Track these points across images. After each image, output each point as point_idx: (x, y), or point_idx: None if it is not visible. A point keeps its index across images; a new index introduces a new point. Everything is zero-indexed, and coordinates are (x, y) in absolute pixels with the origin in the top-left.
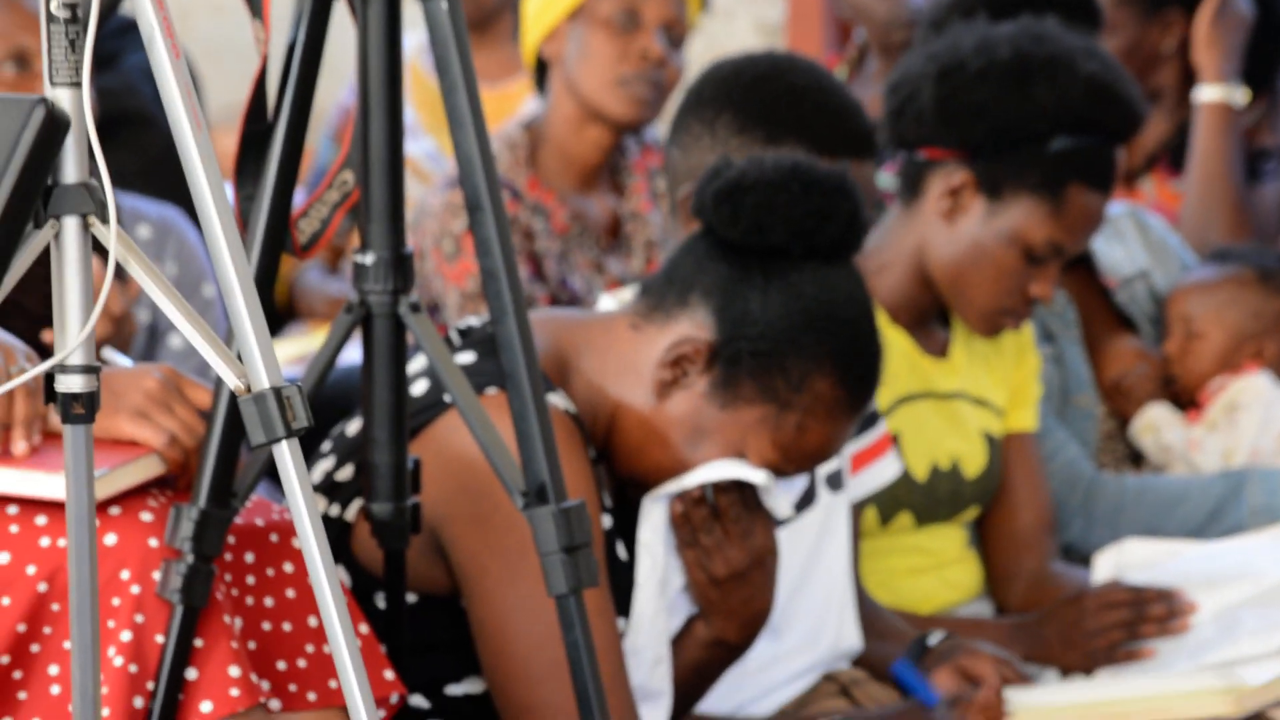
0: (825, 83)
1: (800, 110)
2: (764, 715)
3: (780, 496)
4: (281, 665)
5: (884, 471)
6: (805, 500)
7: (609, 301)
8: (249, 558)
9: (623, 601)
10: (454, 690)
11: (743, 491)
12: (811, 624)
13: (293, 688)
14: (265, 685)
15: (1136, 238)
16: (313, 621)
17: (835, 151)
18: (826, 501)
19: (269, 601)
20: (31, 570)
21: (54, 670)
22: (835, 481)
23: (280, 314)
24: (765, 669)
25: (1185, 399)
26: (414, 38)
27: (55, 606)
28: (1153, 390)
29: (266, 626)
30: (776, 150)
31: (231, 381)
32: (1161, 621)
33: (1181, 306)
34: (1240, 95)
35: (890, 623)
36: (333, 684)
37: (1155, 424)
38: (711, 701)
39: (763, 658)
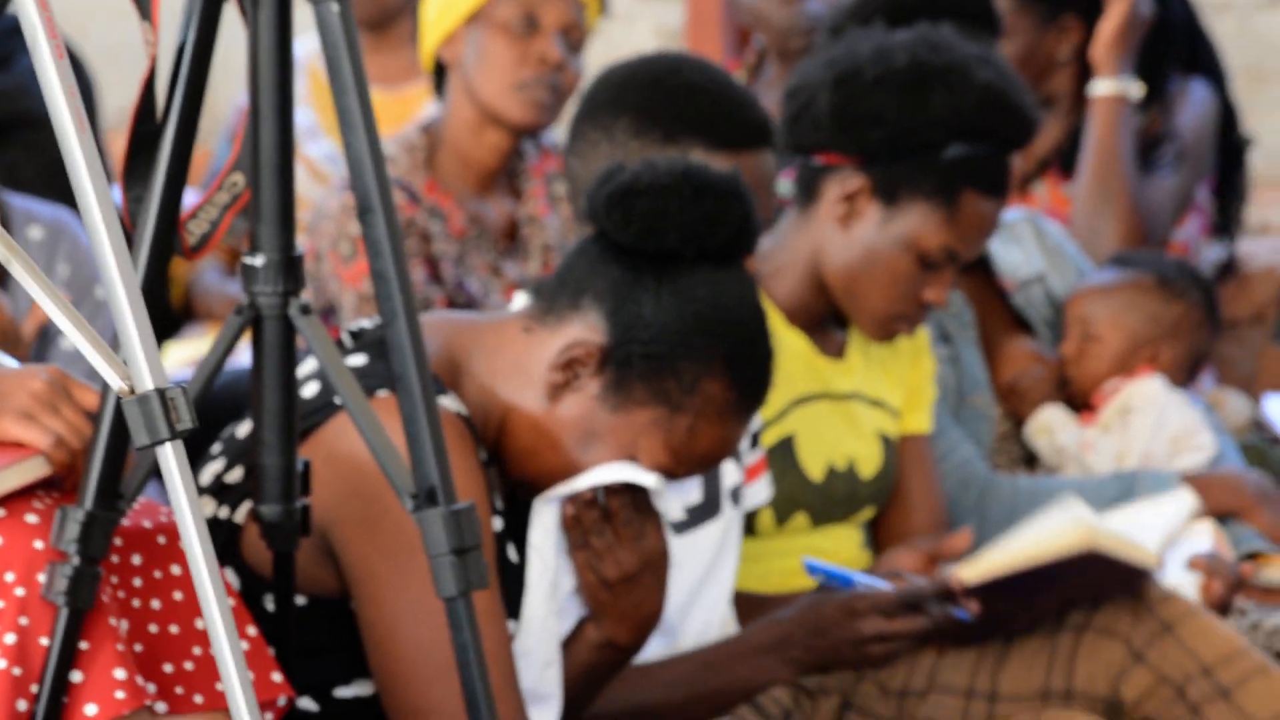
0: (718, 78)
1: (696, 106)
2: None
3: (672, 499)
4: (168, 668)
5: (755, 495)
6: (708, 510)
7: (521, 302)
8: (136, 560)
9: (513, 604)
10: (343, 693)
11: (634, 494)
12: (701, 629)
13: (179, 690)
14: (151, 688)
15: (1034, 242)
16: (200, 624)
17: (734, 144)
18: (729, 515)
19: (156, 604)
20: None
21: None
22: (739, 495)
23: (178, 315)
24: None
25: (1080, 401)
26: (313, 41)
27: None
28: (1048, 392)
29: (153, 629)
30: (676, 149)
31: (115, 383)
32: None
33: (1080, 309)
34: (1135, 90)
35: None
36: (220, 686)
37: (1050, 426)
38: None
39: (656, 657)
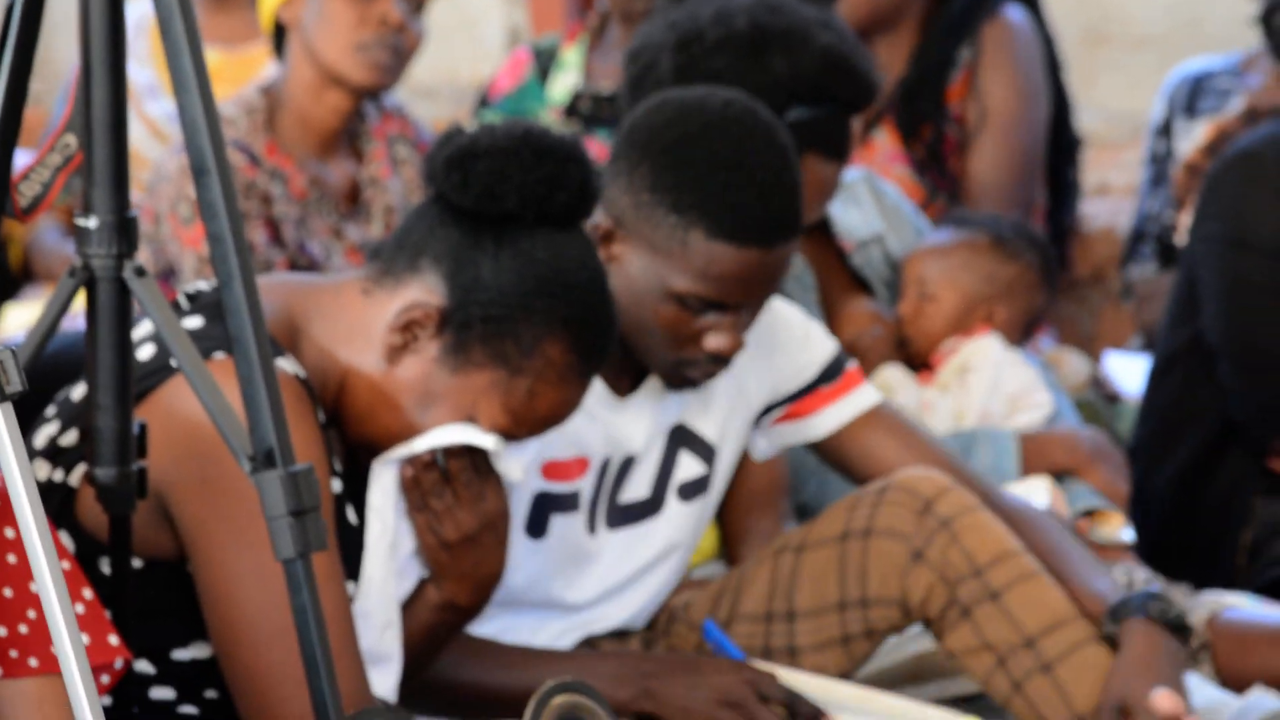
0: (761, 159)
1: (709, 189)
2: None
3: (511, 461)
4: (2, 631)
5: (861, 399)
6: (651, 507)
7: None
8: None
9: (352, 566)
10: (180, 655)
11: (474, 456)
12: (633, 613)
13: (14, 654)
14: None
15: (872, 202)
16: (34, 587)
17: (740, 239)
18: (677, 509)
19: None
20: None
21: None
22: (690, 491)
23: (17, 277)
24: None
25: (918, 361)
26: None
27: None
28: (886, 352)
29: None
30: (681, 222)
31: None
32: None
33: (916, 269)
34: None
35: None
36: (55, 650)
37: (889, 385)
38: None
39: (572, 632)
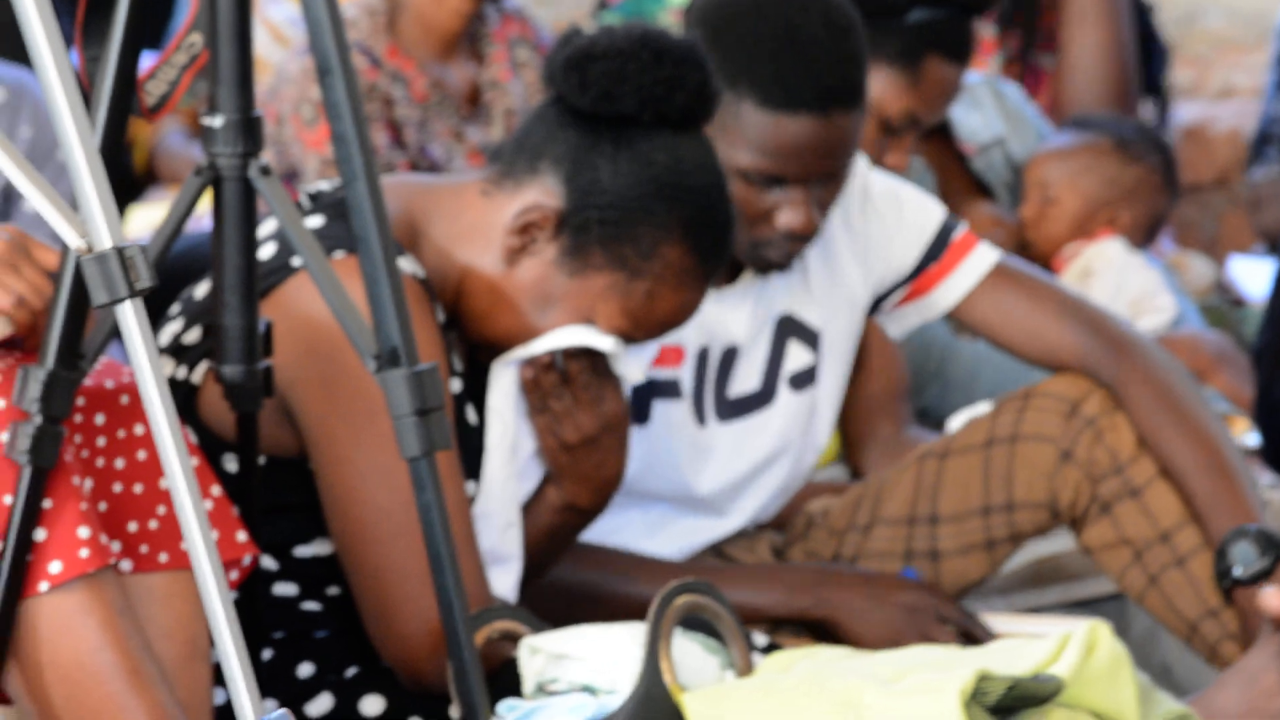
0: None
1: (756, 57)
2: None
3: (631, 363)
4: (133, 527)
5: (979, 263)
6: (763, 398)
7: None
8: (99, 420)
9: (473, 466)
10: (302, 552)
11: (592, 358)
12: (757, 509)
13: (144, 549)
14: (116, 546)
15: (993, 106)
16: (164, 483)
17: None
18: (789, 400)
19: (120, 463)
20: None
21: None
22: (800, 381)
23: (142, 179)
24: (689, 538)
25: (1041, 264)
26: None
27: None
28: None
29: (118, 488)
30: (733, 93)
31: (73, 242)
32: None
33: (1039, 172)
34: None
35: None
36: (184, 546)
37: None
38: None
39: (698, 534)
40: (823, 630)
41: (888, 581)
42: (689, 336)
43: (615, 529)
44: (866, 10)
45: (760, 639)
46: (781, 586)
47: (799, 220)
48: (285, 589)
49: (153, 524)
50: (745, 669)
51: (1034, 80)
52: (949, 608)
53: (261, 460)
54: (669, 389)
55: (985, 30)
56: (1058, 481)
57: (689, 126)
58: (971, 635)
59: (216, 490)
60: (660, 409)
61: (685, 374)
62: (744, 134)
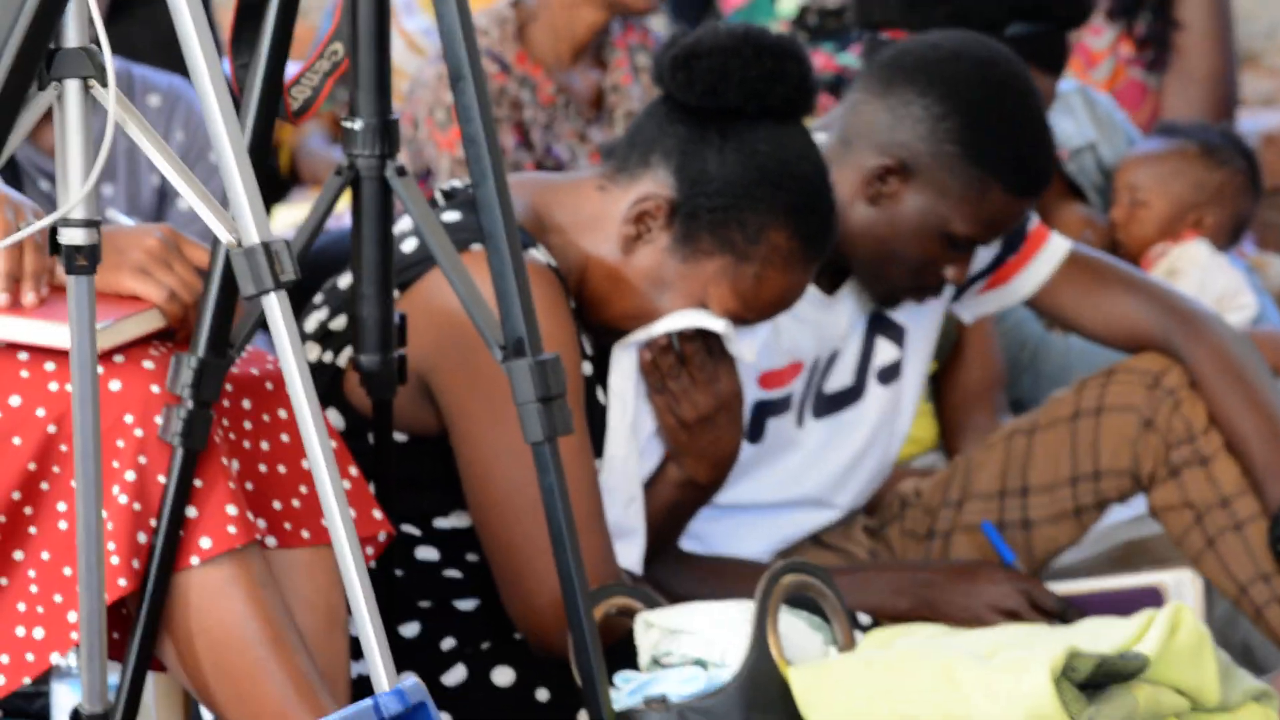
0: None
1: (1012, 147)
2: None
3: (743, 344)
4: (277, 505)
5: (1053, 254)
6: (854, 394)
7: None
8: (246, 404)
9: (601, 443)
10: (442, 523)
11: (707, 340)
12: (853, 499)
13: (287, 526)
14: (261, 524)
15: (1085, 112)
16: (306, 464)
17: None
18: (878, 394)
19: (265, 445)
20: (41, 413)
21: (62, 507)
22: (888, 374)
23: (285, 179)
24: (792, 529)
25: (1129, 264)
26: None
27: (63, 447)
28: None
29: (263, 469)
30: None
31: (224, 236)
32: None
33: (1128, 176)
34: None
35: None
36: (325, 522)
37: None
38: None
39: (808, 521)
40: None
41: (981, 574)
42: (807, 350)
43: (714, 516)
44: (966, 25)
45: (863, 618)
46: (880, 591)
47: (962, 275)
48: (427, 553)
49: (295, 502)
50: (848, 645)
51: (1138, 93)
52: (1041, 593)
53: (404, 438)
54: (782, 405)
55: (1099, 39)
56: (1140, 448)
57: (790, 117)
58: (1068, 620)
59: (354, 471)
60: (772, 425)
61: (797, 386)
62: (977, 209)
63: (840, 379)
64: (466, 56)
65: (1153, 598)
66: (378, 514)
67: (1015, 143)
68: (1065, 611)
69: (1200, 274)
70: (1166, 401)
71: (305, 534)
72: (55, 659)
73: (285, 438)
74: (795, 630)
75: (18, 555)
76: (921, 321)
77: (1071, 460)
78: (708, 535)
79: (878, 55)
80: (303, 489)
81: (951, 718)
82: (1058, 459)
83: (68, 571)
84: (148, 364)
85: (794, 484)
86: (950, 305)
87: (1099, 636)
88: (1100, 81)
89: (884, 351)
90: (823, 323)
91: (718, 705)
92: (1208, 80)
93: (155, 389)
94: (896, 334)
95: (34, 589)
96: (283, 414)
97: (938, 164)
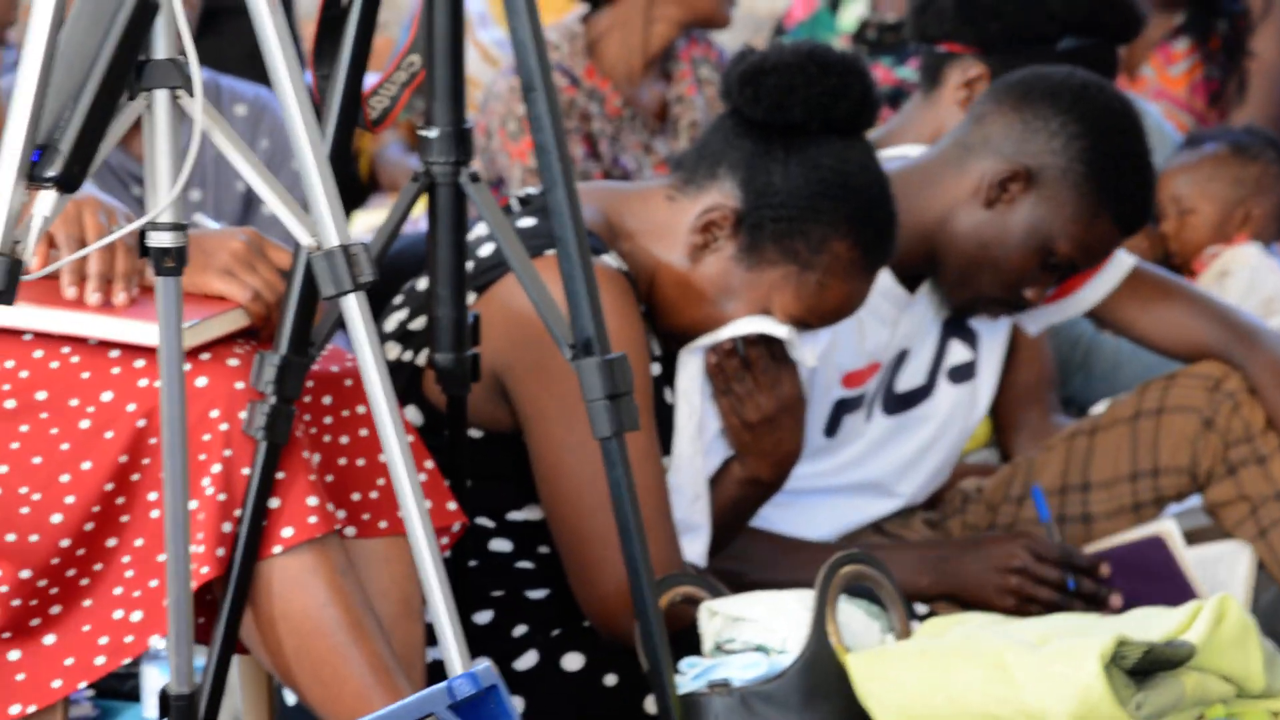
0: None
1: (1131, 182)
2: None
3: (806, 349)
4: (355, 497)
5: (1115, 270)
6: (925, 393)
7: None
8: (326, 400)
9: (668, 442)
10: (515, 516)
11: (770, 345)
12: (915, 490)
13: (365, 517)
14: (341, 514)
15: None
16: (383, 458)
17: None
18: (947, 391)
19: (344, 440)
20: (131, 408)
21: (153, 496)
22: (960, 374)
23: (364, 186)
24: (852, 515)
25: (1184, 271)
26: None
27: (153, 440)
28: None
29: (342, 462)
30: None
31: (305, 240)
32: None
33: (1169, 188)
34: None
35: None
36: (401, 512)
37: None
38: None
39: (870, 509)
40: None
41: (987, 540)
42: (886, 349)
43: (779, 502)
44: (1021, 38)
45: (920, 607)
46: (901, 570)
47: (1040, 297)
48: (500, 545)
49: (373, 494)
50: (904, 633)
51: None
52: (1043, 545)
53: (479, 434)
54: (857, 403)
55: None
56: (1199, 447)
57: (853, 132)
58: (1074, 565)
59: (429, 464)
60: (846, 421)
61: (871, 385)
62: (1086, 233)
63: (912, 378)
64: (538, 68)
65: (1157, 548)
66: (452, 505)
67: (1133, 179)
68: (1071, 557)
69: (1250, 274)
70: (1226, 403)
71: (383, 524)
72: (154, 641)
73: (364, 432)
74: (853, 618)
75: (111, 542)
76: (994, 325)
77: (1132, 458)
78: (772, 520)
79: (1007, 76)
80: (380, 481)
81: (1004, 704)
82: (1118, 456)
83: (160, 558)
84: (232, 361)
85: (856, 469)
86: (1016, 316)
87: (1147, 625)
88: (1177, 77)
89: (956, 352)
90: (901, 321)
91: (778, 690)
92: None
93: (239, 385)
94: (969, 337)
95: (129, 574)
96: (360, 410)
97: (1062, 180)
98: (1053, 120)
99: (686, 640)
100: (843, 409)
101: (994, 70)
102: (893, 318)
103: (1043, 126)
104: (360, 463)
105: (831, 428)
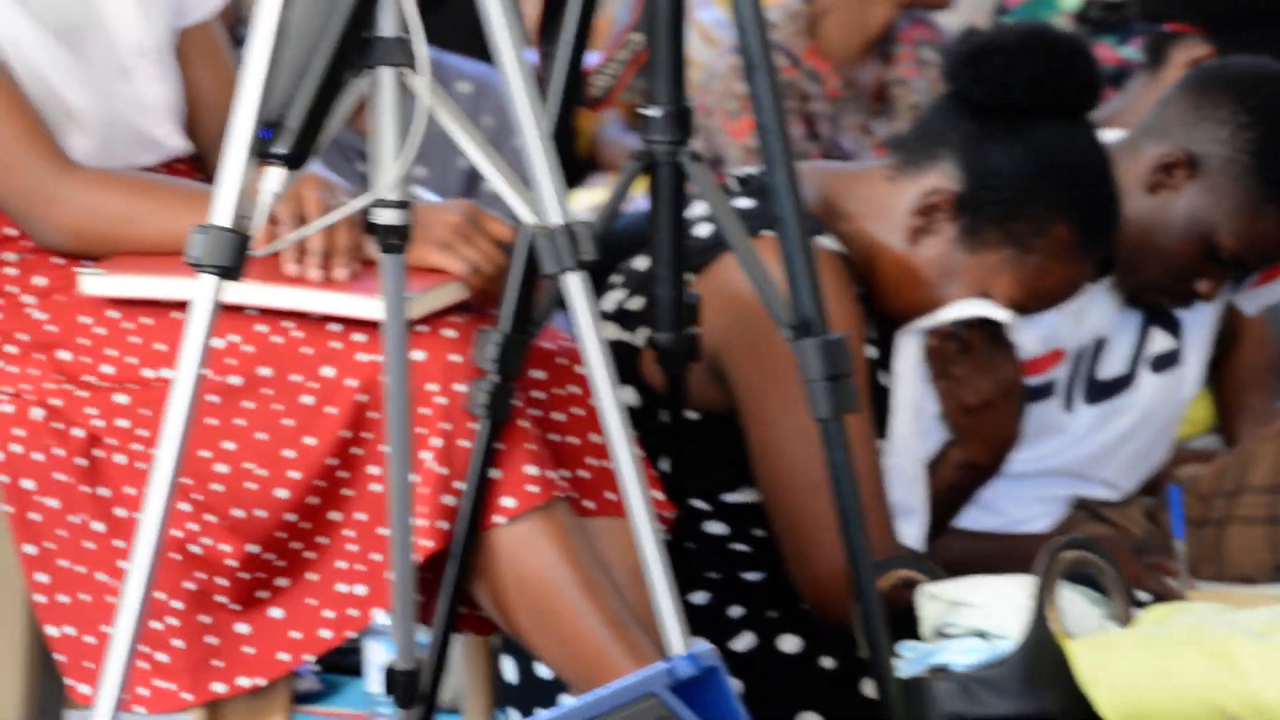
0: None
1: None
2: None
3: (1024, 333)
4: (565, 474)
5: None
6: (1127, 381)
7: None
8: (540, 376)
9: (883, 425)
10: (730, 498)
11: (989, 328)
12: (1122, 470)
13: (575, 495)
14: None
15: None
16: (593, 438)
17: None
18: (1148, 381)
19: (557, 417)
20: (352, 382)
21: (374, 470)
22: (1162, 363)
23: (584, 165)
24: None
25: None
26: None
27: (372, 415)
28: None
29: (554, 438)
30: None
31: (527, 218)
32: None
33: None
34: None
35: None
36: (608, 495)
37: None
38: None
39: (1067, 491)
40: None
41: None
42: (1068, 337)
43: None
44: (1248, 18)
45: (1143, 596)
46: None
47: (1213, 293)
48: (715, 527)
49: (583, 473)
50: (1126, 620)
51: None
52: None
53: (696, 415)
54: (1042, 392)
55: None
56: None
57: (1076, 114)
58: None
59: (638, 452)
60: (1036, 410)
61: (1060, 373)
62: (1250, 227)
63: (1113, 366)
64: (759, 48)
65: None
66: (659, 495)
67: None
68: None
69: None
70: None
71: (590, 504)
72: (377, 614)
73: (578, 410)
74: (1074, 604)
75: (334, 516)
76: (1198, 313)
77: None
78: (986, 500)
79: (1202, 67)
80: (589, 460)
81: (1230, 693)
82: None
83: (382, 531)
84: (449, 333)
85: (1056, 457)
86: (1232, 296)
87: None
88: None
89: (1158, 341)
90: (1084, 310)
91: (999, 676)
92: None
93: (456, 358)
94: (1172, 325)
95: (352, 548)
96: (572, 388)
97: (1226, 169)
98: (1224, 108)
99: (904, 624)
100: (1027, 397)
101: (1220, 50)
102: (1072, 306)
103: (1213, 113)
104: (573, 440)
105: None
